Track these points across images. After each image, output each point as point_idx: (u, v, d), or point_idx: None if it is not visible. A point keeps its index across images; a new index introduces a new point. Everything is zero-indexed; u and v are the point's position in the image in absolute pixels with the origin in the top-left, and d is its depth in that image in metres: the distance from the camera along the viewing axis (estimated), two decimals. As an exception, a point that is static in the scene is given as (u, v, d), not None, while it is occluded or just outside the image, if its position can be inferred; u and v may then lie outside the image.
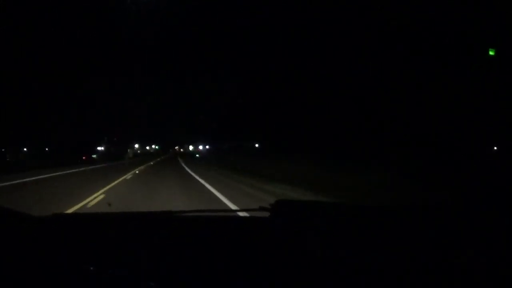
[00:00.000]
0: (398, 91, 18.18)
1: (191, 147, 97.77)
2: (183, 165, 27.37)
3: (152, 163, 31.82)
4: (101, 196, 8.56)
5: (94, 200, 8.02)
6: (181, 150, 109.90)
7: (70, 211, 6.44)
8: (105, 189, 10.09)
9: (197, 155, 41.79)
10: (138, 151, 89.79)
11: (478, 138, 15.97)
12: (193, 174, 16.91)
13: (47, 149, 43.82)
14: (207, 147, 79.87)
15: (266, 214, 1.55)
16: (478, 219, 1.43)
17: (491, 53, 12.13)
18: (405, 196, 7.94)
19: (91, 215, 2.00)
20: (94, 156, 37.00)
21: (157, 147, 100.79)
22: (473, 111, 15.52)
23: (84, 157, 35.02)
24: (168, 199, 8.22)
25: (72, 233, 1.30)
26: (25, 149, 40.10)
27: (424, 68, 16.72)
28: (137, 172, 18.53)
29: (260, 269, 1.03)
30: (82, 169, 21.67)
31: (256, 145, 39.31)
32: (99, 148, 63.22)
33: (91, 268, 0.97)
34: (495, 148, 17.59)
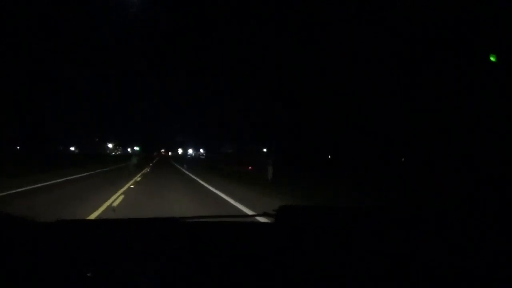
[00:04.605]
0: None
1: (180, 151, 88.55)
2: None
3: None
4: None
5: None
6: (169, 153, 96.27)
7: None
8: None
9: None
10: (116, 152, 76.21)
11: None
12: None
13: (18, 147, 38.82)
14: (201, 150, 70.74)
15: (271, 219, 1.55)
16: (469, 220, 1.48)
17: (492, 59, 11.82)
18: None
19: (96, 222, 2.03)
20: None
21: (138, 148, 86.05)
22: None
23: None
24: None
25: (76, 239, 1.29)
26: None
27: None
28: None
29: (265, 275, 1.03)
30: None
31: (264, 150, 34.46)
32: (72, 149, 57.54)
33: (93, 273, 0.97)
34: (403, 159, 18.96)
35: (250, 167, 22.95)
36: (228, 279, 1.00)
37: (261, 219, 1.99)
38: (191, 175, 18.71)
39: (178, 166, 30.81)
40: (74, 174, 15.51)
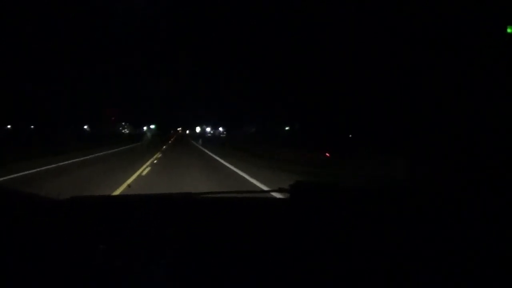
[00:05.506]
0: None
1: (198, 129, 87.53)
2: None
3: None
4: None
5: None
6: (187, 131, 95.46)
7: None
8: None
9: None
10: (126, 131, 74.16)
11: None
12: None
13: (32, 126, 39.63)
14: (220, 129, 68.53)
15: (286, 195, 1.56)
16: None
17: (509, 30, 11.14)
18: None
19: (109, 198, 2.02)
20: None
21: (153, 126, 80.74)
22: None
23: None
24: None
25: (89, 216, 1.30)
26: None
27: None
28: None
29: (279, 251, 1.03)
30: None
31: (287, 128, 33.97)
32: (85, 127, 56.28)
33: (106, 250, 0.96)
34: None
35: (327, 154, 15.93)
36: (244, 255, 1.00)
37: (277, 195, 1.97)
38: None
39: (209, 153, 20.49)
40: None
